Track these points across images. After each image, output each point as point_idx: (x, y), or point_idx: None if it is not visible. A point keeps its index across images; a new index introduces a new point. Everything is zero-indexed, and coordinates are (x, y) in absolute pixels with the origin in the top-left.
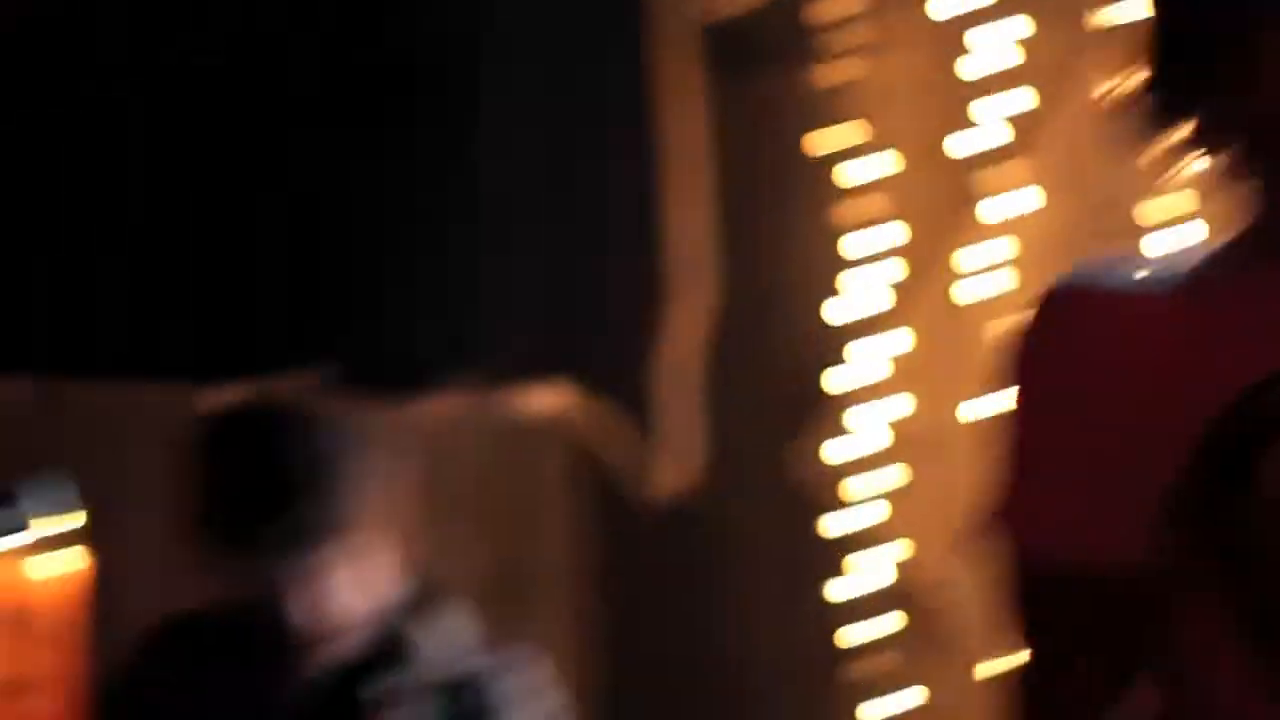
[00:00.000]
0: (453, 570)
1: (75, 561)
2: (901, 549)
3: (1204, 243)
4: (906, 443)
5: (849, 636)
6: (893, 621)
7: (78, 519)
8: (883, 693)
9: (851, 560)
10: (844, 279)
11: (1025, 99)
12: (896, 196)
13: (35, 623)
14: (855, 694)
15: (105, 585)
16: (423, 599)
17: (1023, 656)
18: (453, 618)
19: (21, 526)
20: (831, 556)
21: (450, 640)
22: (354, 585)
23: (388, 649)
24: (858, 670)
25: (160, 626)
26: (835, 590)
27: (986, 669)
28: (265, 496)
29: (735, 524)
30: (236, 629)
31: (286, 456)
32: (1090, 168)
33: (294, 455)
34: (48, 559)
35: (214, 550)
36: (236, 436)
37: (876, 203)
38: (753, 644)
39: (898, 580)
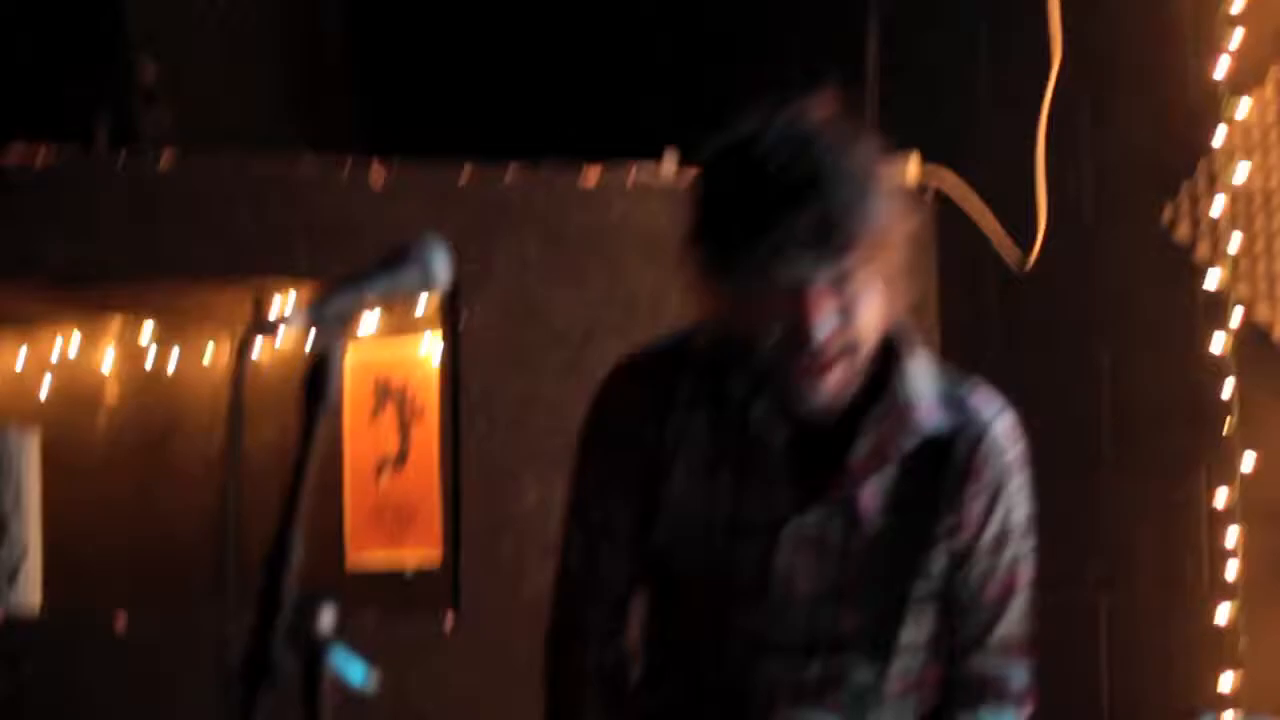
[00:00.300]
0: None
1: (442, 345)
2: None
3: None
4: None
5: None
6: None
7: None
8: None
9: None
10: None
11: None
12: None
13: (410, 399)
14: None
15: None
16: (906, 338)
17: None
18: (924, 361)
19: (425, 285)
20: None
21: (929, 386)
22: (871, 304)
23: (876, 395)
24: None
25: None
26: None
27: None
28: (792, 183)
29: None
30: (715, 359)
31: (826, 156)
32: None
33: (834, 157)
34: (420, 341)
35: (723, 261)
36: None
37: None
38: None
39: None
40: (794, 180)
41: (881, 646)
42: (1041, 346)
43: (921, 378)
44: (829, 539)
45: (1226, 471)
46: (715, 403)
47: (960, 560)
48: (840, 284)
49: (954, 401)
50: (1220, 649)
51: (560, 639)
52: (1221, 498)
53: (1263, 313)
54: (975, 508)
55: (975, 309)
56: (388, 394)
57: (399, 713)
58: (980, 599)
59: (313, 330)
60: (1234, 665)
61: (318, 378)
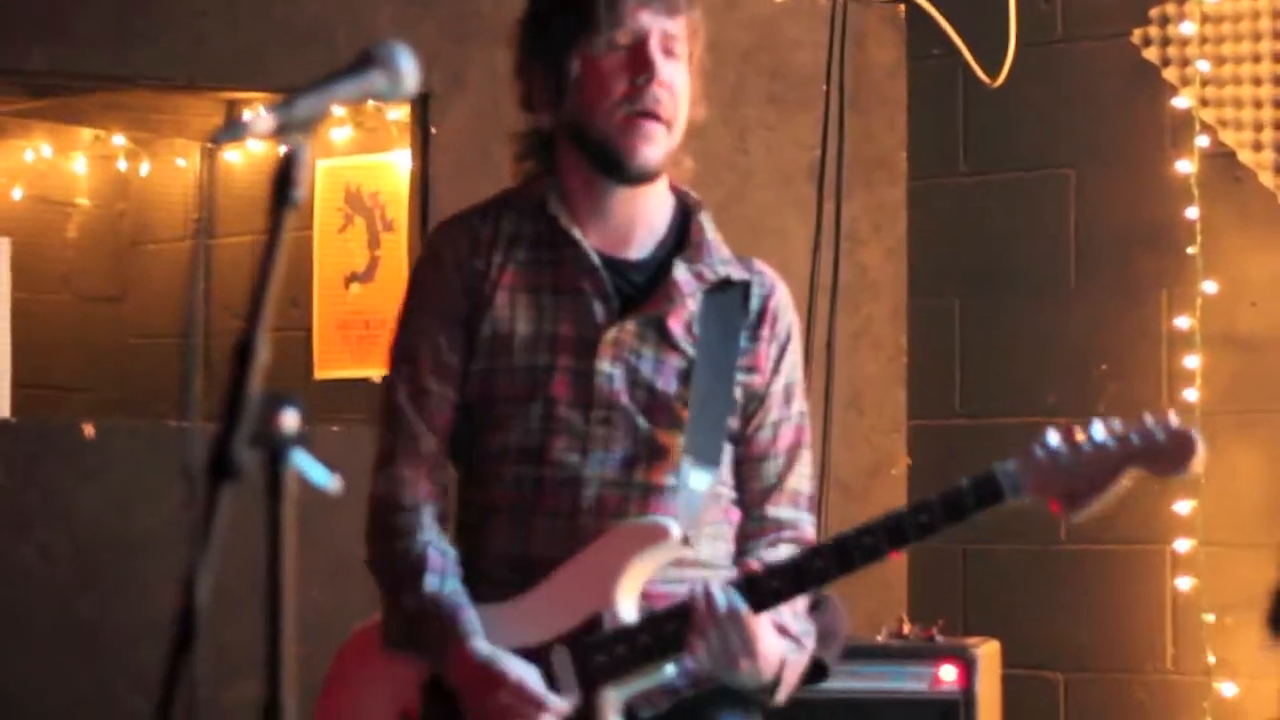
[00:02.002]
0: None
1: (412, 157)
2: None
3: None
4: None
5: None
6: None
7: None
8: None
9: None
10: None
11: None
12: None
13: (381, 214)
14: None
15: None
16: (700, 205)
17: None
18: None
19: (381, 94)
20: None
21: (722, 244)
22: (687, 85)
23: (683, 241)
24: None
25: None
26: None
27: None
28: None
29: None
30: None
31: None
32: None
33: None
34: (390, 154)
35: None
36: None
37: None
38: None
39: None
40: None
41: (707, 459)
42: (1008, 165)
43: (715, 232)
44: (642, 352)
45: (1188, 295)
46: (536, 237)
47: (756, 405)
48: (670, 51)
49: (742, 260)
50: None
51: (393, 471)
52: (1182, 321)
53: (1230, 136)
54: (768, 352)
55: (944, 124)
56: (358, 208)
57: (360, 520)
58: (776, 445)
59: (279, 132)
60: (1191, 494)
61: (285, 177)
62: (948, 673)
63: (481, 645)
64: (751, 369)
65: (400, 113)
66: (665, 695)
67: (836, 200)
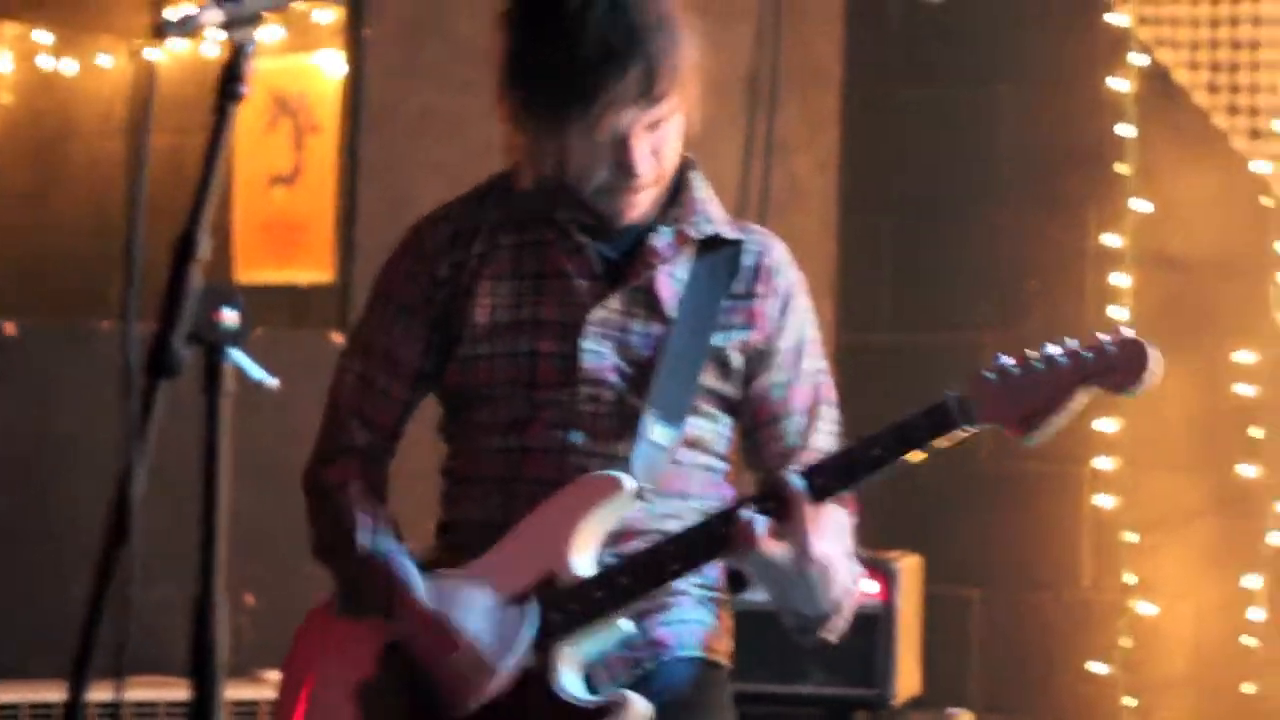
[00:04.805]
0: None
1: (340, 59)
2: None
3: None
4: None
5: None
6: None
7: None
8: None
9: None
10: None
11: None
12: None
13: (307, 116)
14: None
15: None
16: (693, 164)
17: None
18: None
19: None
20: None
21: (716, 203)
22: (677, 134)
23: (672, 202)
24: None
25: None
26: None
27: None
28: (616, 44)
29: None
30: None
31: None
32: None
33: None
34: (318, 56)
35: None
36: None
37: None
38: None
39: None
40: (618, 38)
41: (672, 414)
42: (944, 80)
43: (708, 191)
44: (631, 326)
45: (1118, 214)
46: (521, 221)
47: (761, 365)
48: (656, 125)
49: (738, 224)
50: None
51: (325, 458)
52: (1111, 239)
53: (1166, 55)
54: (767, 309)
55: (881, 44)
56: (283, 109)
57: (285, 425)
58: (790, 405)
59: (228, 25)
60: (1117, 413)
61: (232, 72)
62: (866, 586)
63: (427, 597)
64: (747, 326)
65: (328, 14)
66: (625, 665)
67: (770, 111)
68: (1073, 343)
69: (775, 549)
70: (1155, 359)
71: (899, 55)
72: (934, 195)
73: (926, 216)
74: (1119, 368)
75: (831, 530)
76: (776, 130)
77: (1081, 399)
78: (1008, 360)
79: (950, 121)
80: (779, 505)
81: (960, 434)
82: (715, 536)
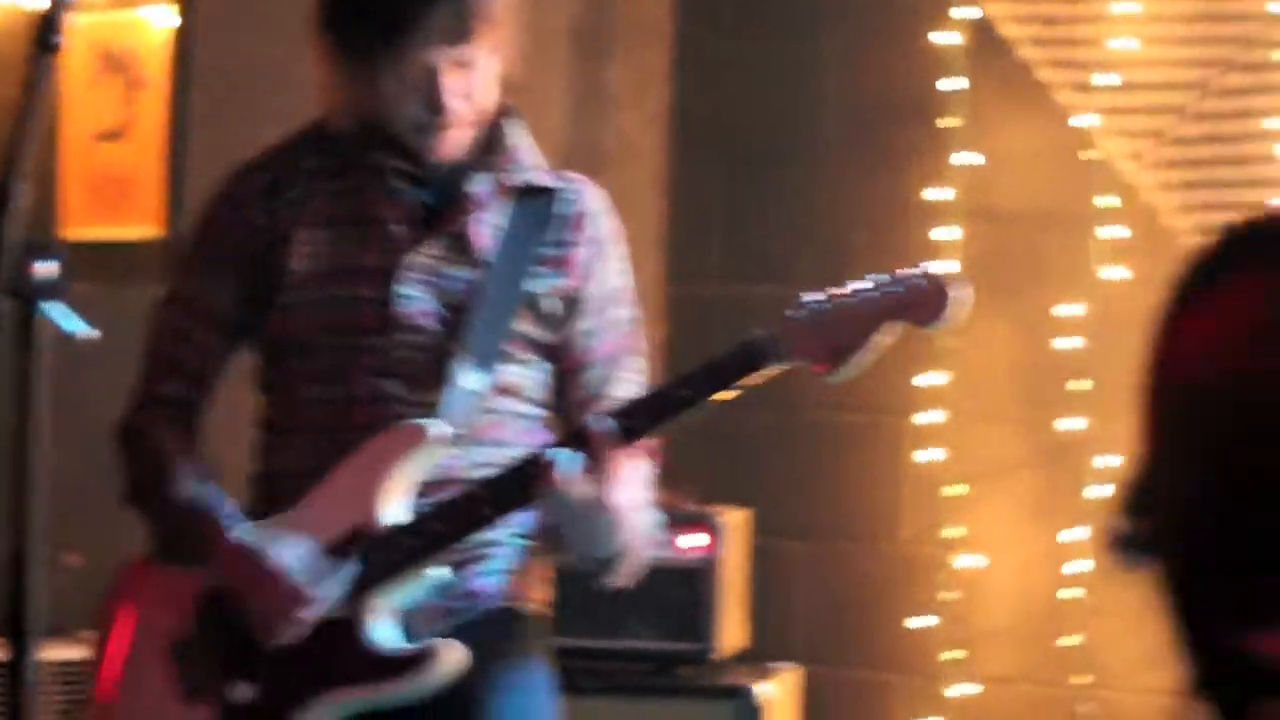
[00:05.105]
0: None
1: (169, 13)
2: None
3: None
4: None
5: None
6: None
7: None
8: None
9: None
10: None
11: None
12: None
13: (135, 71)
14: None
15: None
16: (512, 111)
17: None
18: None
19: None
20: None
21: (534, 151)
22: (490, 75)
23: (489, 149)
24: None
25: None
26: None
27: None
28: None
29: None
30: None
31: None
32: None
33: None
34: (146, 10)
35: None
36: None
37: None
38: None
39: None
40: None
41: (483, 359)
42: (772, 36)
43: (526, 139)
44: (447, 271)
45: (944, 167)
46: (338, 167)
47: (570, 311)
48: (468, 65)
49: (555, 173)
50: (930, 347)
51: (138, 406)
52: (935, 193)
53: (993, 9)
54: (580, 256)
55: None
56: (111, 64)
57: (114, 382)
58: (593, 354)
59: None
60: (943, 365)
61: (49, 23)
62: (688, 540)
63: (243, 531)
64: (560, 272)
65: None
66: (442, 614)
67: (599, 64)
68: (878, 278)
69: (577, 489)
70: (958, 295)
71: (728, 9)
72: (763, 149)
73: (756, 170)
74: (921, 303)
75: (633, 476)
76: (606, 84)
77: (887, 334)
78: (815, 296)
79: (778, 75)
80: (585, 445)
81: (769, 371)
82: (524, 478)
